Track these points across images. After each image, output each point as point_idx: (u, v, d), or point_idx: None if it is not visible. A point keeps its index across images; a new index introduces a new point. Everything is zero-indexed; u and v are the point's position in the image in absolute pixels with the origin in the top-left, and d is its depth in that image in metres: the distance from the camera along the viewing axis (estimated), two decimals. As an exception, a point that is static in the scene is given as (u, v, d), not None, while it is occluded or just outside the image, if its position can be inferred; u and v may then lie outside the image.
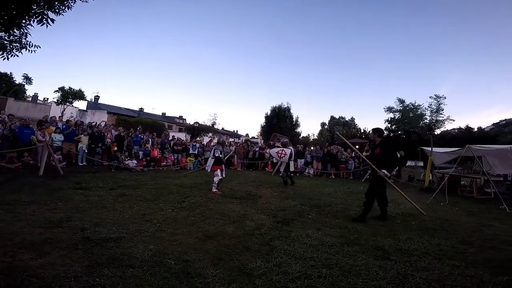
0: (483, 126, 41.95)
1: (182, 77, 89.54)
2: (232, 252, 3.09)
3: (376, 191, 4.94)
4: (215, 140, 9.94)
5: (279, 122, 33.78)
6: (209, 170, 6.92)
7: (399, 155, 13.27)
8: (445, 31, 73.21)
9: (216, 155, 6.71)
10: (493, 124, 45.88)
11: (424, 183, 10.64)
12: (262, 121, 37.56)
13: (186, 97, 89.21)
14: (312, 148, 16.65)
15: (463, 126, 38.53)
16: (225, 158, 7.75)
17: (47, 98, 34.77)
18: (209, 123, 36.54)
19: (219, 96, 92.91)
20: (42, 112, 23.58)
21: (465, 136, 33.94)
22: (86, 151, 10.37)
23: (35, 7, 4.88)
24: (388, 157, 5.00)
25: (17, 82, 31.65)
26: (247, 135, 58.80)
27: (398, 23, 79.53)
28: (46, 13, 4.95)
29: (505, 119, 45.01)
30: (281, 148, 8.65)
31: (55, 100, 29.01)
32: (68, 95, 28.89)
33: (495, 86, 69.24)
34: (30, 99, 33.65)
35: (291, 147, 8.97)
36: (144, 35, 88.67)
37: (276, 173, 11.28)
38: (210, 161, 6.90)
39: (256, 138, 43.65)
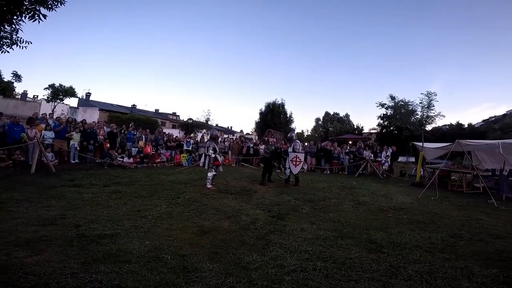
0: (473, 123, 42.74)
1: (176, 74, 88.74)
2: (228, 246, 3.13)
3: None
4: (208, 136, 9.59)
5: (274, 118, 33.73)
6: (206, 168, 6.85)
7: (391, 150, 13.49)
8: (438, 32, 74.06)
9: (212, 155, 6.71)
10: (483, 121, 46.87)
11: (416, 178, 10.79)
12: (256, 117, 37.49)
13: (179, 94, 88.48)
14: (306, 143, 16.70)
15: (454, 122, 39.17)
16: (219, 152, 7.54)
17: (37, 96, 34.00)
18: (203, 119, 36.35)
19: (214, 92, 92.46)
20: (32, 109, 23.03)
21: (456, 132, 34.57)
22: (78, 148, 10.22)
23: (27, 2, 4.76)
24: None
25: (5, 79, 30.83)
26: (241, 131, 58.67)
27: (393, 23, 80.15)
28: (38, 8, 4.84)
29: (494, 116, 46.11)
30: (295, 155, 7.94)
31: (45, 98, 28.33)
32: (58, 92, 28.19)
33: (484, 85, 70.77)
34: (19, 96, 32.84)
35: (298, 141, 8.51)
36: (136, 31, 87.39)
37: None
38: (206, 159, 6.83)
39: (251, 134, 43.60)
